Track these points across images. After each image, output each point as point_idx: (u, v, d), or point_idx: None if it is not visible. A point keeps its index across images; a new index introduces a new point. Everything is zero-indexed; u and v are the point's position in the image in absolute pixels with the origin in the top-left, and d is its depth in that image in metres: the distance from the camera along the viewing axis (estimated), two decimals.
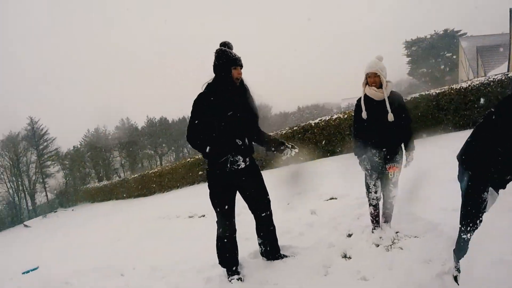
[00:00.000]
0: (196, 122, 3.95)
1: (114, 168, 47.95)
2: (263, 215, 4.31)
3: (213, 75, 4.04)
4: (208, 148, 3.91)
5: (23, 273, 7.58)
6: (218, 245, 4.26)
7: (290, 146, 4.19)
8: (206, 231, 6.36)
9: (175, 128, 53.27)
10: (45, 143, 44.09)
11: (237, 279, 4.13)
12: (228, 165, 3.93)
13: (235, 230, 4.22)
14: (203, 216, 8.88)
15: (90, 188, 32.75)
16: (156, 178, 22.18)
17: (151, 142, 52.04)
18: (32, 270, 7.66)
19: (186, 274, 4.84)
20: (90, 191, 32.14)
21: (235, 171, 4.00)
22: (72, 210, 29.48)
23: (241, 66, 3.99)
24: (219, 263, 4.32)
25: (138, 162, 50.72)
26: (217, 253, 4.29)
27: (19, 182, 39.62)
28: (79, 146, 48.74)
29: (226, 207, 4.10)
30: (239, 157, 3.97)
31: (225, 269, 4.31)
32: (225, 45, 4.03)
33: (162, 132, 53.09)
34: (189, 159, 20.02)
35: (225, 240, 4.19)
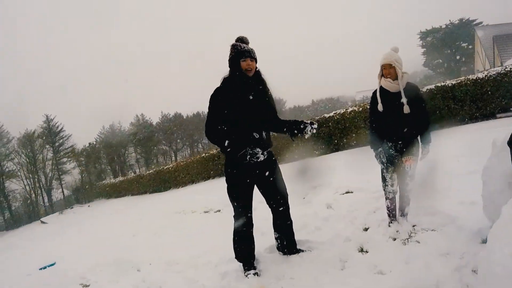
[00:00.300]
0: (213, 117, 3.97)
1: (129, 164, 48.30)
2: (280, 209, 4.29)
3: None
4: (226, 142, 3.91)
5: (40, 269, 7.64)
6: (235, 239, 4.26)
7: (308, 122, 4.08)
8: (222, 225, 6.38)
9: (190, 124, 53.44)
10: (61, 140, 44.54)
11: (253, 274, 4.11)
12: (248, 158, 3.91)
13: (252, 225, 4.22)
14: (219, 211, 8.90)
15: (106, 184, 33.06)
16: (171, 174, 22.30)
17: (165, 137, 52.23)
18: (49, 266, 7.71)
19: (202, 268, 4.85)
20: (105, 187, 32.43)
21: (253, 165, 3.99)
22: (88, 206, 29.82)
23: (252, 58, 3.97)
24: (236, 258, 4.32)
25: (153, 158, 50.98)
26: (234, 247, 4.29)
27: (36, 179, 40.12)
28: (94, 143, 49.16)
29: (244, 201, 4.10)
30: (258, 149, 3.95)
31: (241, 264, 4.31)
32: (240, 39, 4.03)
33: (176, 128, 53.25)
34: (204, 154, 20.12)
35: (242, 235, 4.20)
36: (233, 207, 4.18)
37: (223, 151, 4.02)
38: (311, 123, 4.07)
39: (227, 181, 4.15)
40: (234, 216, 4.21)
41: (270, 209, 4.37)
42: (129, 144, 48.34)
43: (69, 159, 44.17)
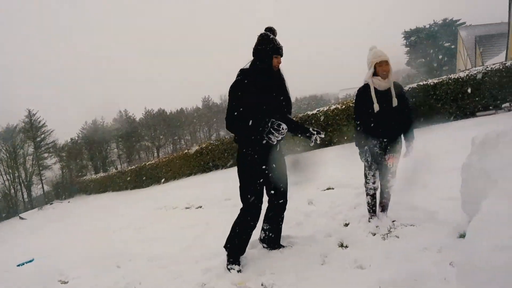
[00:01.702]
0: (235, 108, 3.83)
1: (111, 160, 47.92)
2: (280, 201, 4.25)
3: (246, 60, 4.01)
4: (251, 121, 3.76)
5: (18, 265, 7.55)
6: (236, 230, 4.14)
7: (315, 132, 4.09)
8: (204, 221, 6.37)
9: (173, 120, 53.22)
10: (43, 136, 43.92)
11: (237, 270, 4.05)
12: (270, 125, 3.68)
13: (258, 219, 4.16)
14: (200, 207, 8.90)
15: (87, 180, 32.81)
16: (153, 170, 22.21)
17: (148, 134, 51.95)
18: (27, 263, 7.63)
19: (184, 264, 4.81)
20: (86, 183, 32.17)
21: (269, 150, 3.98)
22: (68, 202, 29.48)
23: (282, 55, 3.94)
24: (225, 247, 4.21)
25: (135, 154, 50.67)
26: (230, 237, 4.18)
27: (16, 175, 39.48)
28: (76, 138, 48.65)
29: (258, 194, 4.04)
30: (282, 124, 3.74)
31: (226, 256, 4.22)
32: (270, 30, 3.96)
33: (159, 124, 53.00)
34: (186, 151, 20.07)
35: (247, 228, 4.12)
36: (244, 199, 4.05)
37: (242, 141, 3.99)
38: (318, 133, 4.08)
39: (242, 172, 4.06)
40: (244, 210, 4.08)
41: (267, 199, 4.28)
42: (111, 140, 47.94)
43: (50, 154, 43.63)
